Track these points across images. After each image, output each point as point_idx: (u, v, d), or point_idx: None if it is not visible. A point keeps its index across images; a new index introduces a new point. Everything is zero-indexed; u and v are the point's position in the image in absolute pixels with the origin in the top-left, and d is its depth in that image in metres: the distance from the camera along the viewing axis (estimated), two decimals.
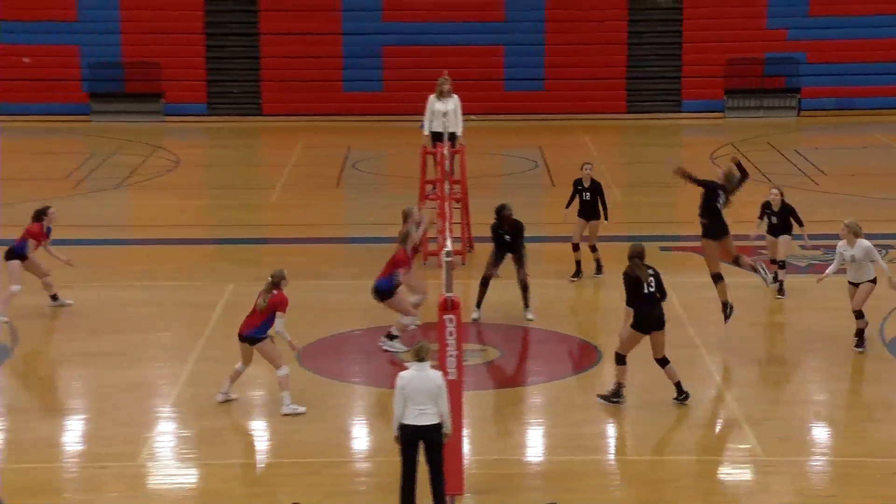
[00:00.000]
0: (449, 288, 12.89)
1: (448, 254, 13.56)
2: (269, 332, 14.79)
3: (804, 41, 34.91)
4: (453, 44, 34.38)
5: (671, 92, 35.21)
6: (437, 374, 12.19)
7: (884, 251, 18.83)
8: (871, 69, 34.79)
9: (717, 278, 17.25)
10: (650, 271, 14.96)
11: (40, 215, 18.21)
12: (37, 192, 25.06)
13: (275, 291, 14.81)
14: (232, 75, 34.50)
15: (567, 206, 19.99)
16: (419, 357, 12.11)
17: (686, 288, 19.16)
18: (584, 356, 17.23)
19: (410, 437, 11.99)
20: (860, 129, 33.38)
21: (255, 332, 14.79)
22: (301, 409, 14.79)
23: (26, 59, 33.38)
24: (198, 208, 25.61)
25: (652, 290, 14.88)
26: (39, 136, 31.74)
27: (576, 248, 19.84)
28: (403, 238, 17.03)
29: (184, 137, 32.29)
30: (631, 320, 14.87)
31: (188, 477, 13.65)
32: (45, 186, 25.95)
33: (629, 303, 14.88)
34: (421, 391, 11.95)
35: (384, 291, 16.73)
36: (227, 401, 15.03)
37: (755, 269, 17.52)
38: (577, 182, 19.93)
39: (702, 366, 16.49)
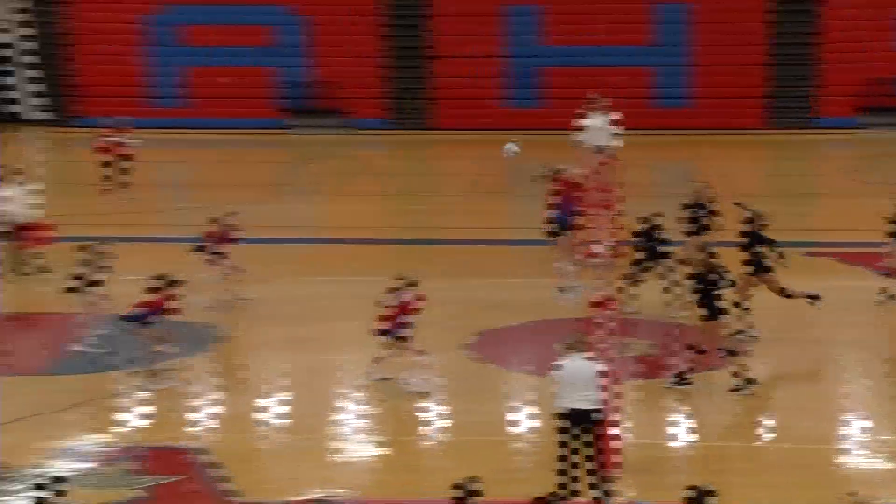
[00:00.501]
0: (604, 286, 12.86)
1: (603, 255, 13.51)
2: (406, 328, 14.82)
3: None
4: (607, 65, 34.18)
5: (808, 109, 34.34)
6: (593, 363, 12.20)
7: None
8: None
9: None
10: (720, 268, 14.79)
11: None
12: (241, 196, 25.64)
13: (408, 293, 14.89)
14: (409, 93, 34.85)
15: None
16: (577, 348, 12.16)
17: (822, 290, 18.85)
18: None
19: (569, 421, 12.02)
20: None
21: (394, 330, 14.87)
22: (424, 387, 14.83)
23: (235, 80, 34.09)
24: (381, 212, 25.91)
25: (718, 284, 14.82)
26: (243, 147, 32.46)
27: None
28: (550, 174, 17.12)
29: (368, 149, 32.70)
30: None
31: (372, 450, 13.89)
32: (247, 192, 26.50)
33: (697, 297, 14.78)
34: (579, 379, 11.97)
35: (567, 222, 16.80)
36: (380, 379, 15.13)
37: (809, 296, 16.97)
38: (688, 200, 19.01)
39: (839, 362, 16.18)
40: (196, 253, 18.34)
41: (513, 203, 26.88)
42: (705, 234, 19.02)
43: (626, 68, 34.33)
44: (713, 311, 14.65)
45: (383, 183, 29.62)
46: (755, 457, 13.59)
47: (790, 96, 34.39)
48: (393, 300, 14.89)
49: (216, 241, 18.40)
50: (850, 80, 33.96)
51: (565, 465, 12.00)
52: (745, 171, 29.20)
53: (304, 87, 34.50)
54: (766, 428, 14.56)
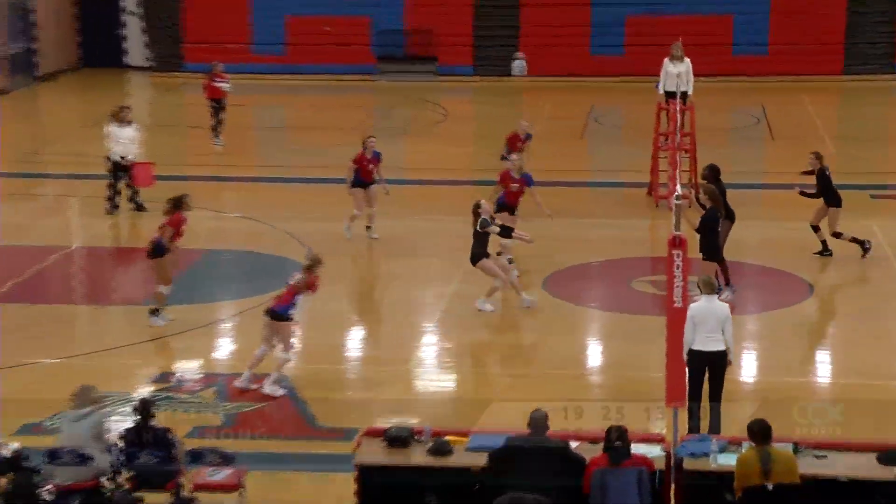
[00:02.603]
0: (678, 227, 12.54)
1: (678, 197, 13.15)
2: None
3: None
4: (687, 13, 33.28)
5: (888, 55, 32.89)
6: (725, 305, 11.74)
7: None
8: None
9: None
10: None
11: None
12: (332, 139, 25.57)
13: (311, 274, 13.14)
14: (495, 41, 34.32)
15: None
16: (708, 290, 11.68)
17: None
18: (796, 290, 16.52)
19: (698, 362, 11.51)
20: None
21: (283, 310, 12.96)
22: (280, 392, 12.87)
23: (327, 28, 33.98)
24: (464, 154, 25.66)
25: None
26: (335, 92, 32.39)
27: (815, 229, 17.36)
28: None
29: (453, 95, 32.41)
30: None
31: (445, 382, 13.74)
32: (338, 135, 26.39)
33: None
34: (710, 319, 11.52)
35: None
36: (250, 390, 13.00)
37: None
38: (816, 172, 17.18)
39: None
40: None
41: (588, 146, 26.44)
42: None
43: (707, 16, 33.28)
44: None
45: (468, 127, 29.32)
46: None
47: (871, 42, 32.96)
48: (296, 279, 13.14)
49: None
50: None
51: (694, 402, 11.47)
52: (819, 115, 28.38)
53: (394, 34, 34.16)
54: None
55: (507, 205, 17.00)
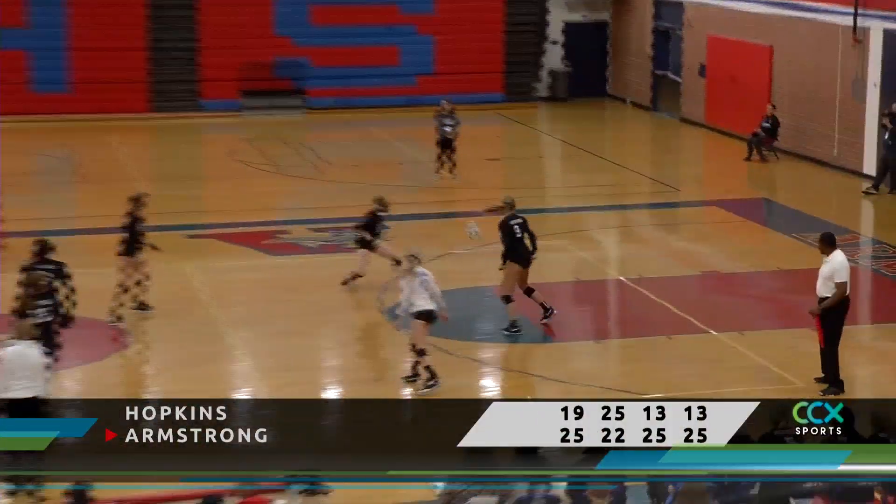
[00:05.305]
0: None
1: None
2: None
3: (308, 47, 37.99)
4: None
5: (191, 93, 37.60)
6: (39, 352, 12.61)
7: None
8: (368, 72, 38.63)
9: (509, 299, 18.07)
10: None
11: None
12: None
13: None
14: None
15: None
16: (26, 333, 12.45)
17: (211, 271, 21.53)
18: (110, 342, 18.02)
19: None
20: (358, 126, 35.94)
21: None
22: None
23: None
24: None
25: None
26: None
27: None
28: None
29: None
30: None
31: None
32: None
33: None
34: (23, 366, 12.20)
35: None
36: None
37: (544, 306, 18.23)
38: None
39: (220, 343, 17.95)
40: None
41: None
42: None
43: (2, 51, 35.52)
44: None
45: None
46: None
47: (174, 80, 37.52)
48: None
49: None
50: (230, 64, 37.56)
51: None
52: (130, 155, 31.60)
53: None
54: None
55: None
